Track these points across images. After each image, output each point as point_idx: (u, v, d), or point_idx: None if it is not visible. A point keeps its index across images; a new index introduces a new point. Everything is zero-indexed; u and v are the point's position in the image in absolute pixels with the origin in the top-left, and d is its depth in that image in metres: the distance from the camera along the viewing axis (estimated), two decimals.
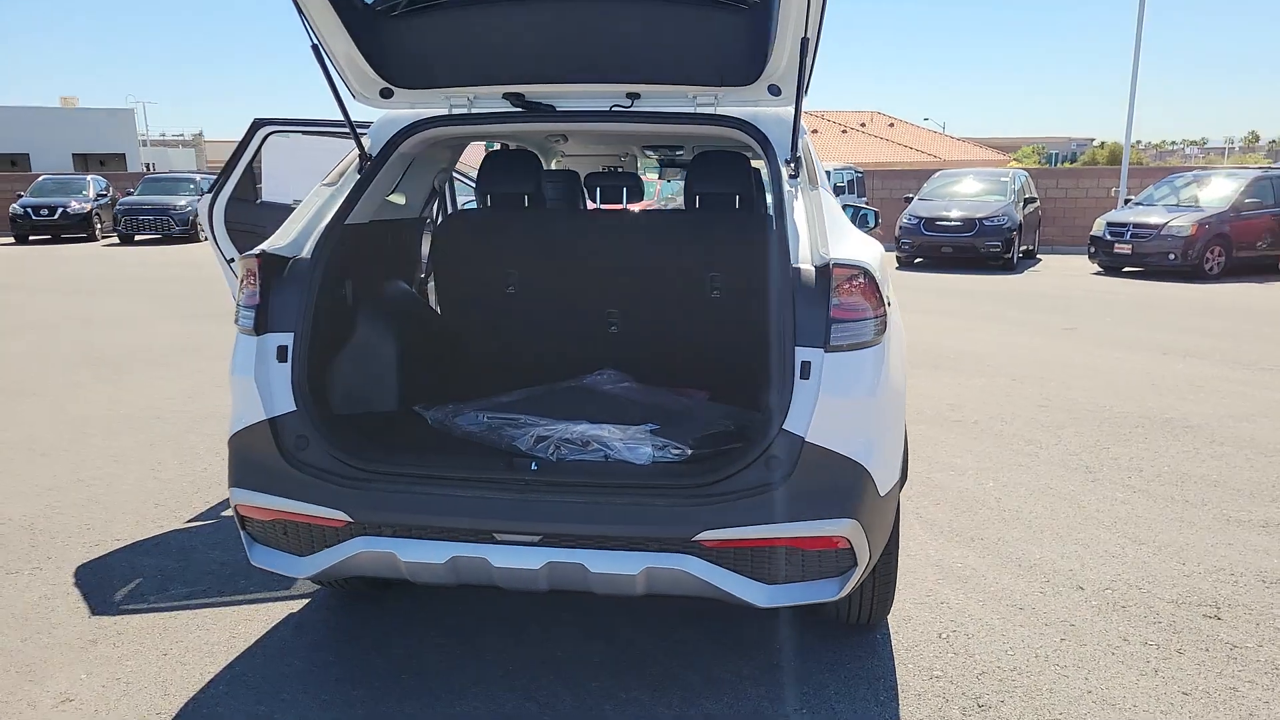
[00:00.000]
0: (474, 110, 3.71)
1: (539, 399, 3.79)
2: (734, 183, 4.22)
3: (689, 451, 3.08)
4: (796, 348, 2.91)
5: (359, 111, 3.74)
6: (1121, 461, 6.02)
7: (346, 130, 5.01)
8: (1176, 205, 17.74)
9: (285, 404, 3.17)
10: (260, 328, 3.21)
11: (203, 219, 5.57)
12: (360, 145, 3.64)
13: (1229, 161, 67.28)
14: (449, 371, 4.41)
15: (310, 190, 3.79)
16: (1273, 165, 26.74)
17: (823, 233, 3.13)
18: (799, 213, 3.20)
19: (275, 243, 3.37)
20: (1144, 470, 5.84)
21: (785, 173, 3.33)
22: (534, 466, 3.08)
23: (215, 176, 5.68)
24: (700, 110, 3.59)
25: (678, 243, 4.32)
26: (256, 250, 3.28)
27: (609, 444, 3.12)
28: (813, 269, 3.01)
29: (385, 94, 3.69)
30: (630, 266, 4.37)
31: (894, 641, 3.69)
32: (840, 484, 2.86)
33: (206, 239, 5.80)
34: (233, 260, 5.46)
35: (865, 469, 2.89)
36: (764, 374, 3.74)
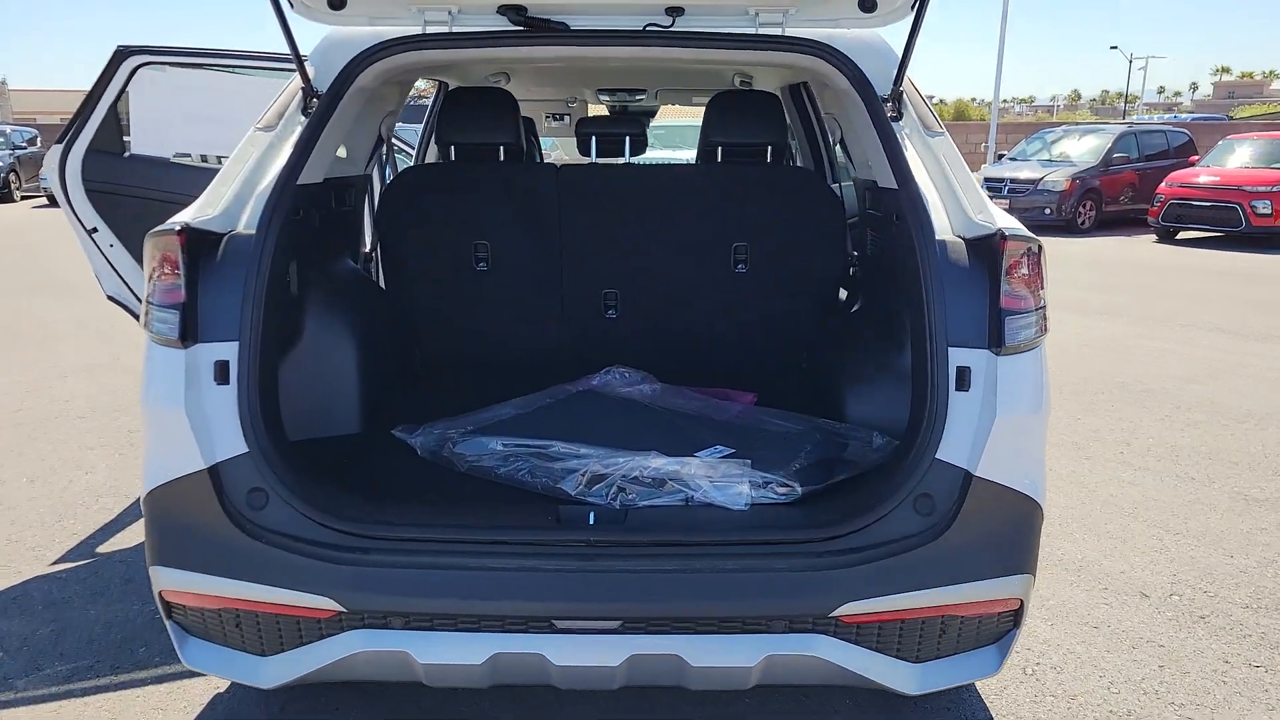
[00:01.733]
0: (457, 29, 2.78)
1: (550, 413, 2.97)
2: (765, 129, 3.46)
3: (799, 490, 2.36)
4: (950, 349, 2.21)
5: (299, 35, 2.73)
6: (1104, 435, 5.74)
7: (243, 60, 3.82)
8: (1049, 160, 18.19)
9: (231, 444, 2.24)
10: (188, 335, 2.24)
11: (51, 177, 4.32)
12: (305, 75, 2.65)
13: (1057, 119, 71.42)
14: (412, 374, 3.50)
15: (203, 139, 2.77)
16: (1137, 120, 28.14)
17: (962, 193, 2.43)
18: (917, 167, 2.48)
19: (202, 212, 2.38)
20: (1132, 444, 5.57)
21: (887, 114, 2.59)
22: (592, 519, 2.29)
23: (68, 125, 4.37)
24: (764, 32, 2.78)
25: (694, 205, 3.54)
26: (175, 223, 2.29)
27: (690, 482, 2.35)
28: (962, 241, 2.32)
29: (335, 3, 2.70)
30: (633, 235, 3.56)
31: (977, 683, 3.13)
32: (1015, 528, 2.22)
33: (49, 197, 4.52)
34: (95, 230, 4.26)
35: (1039, 505, 2.26)
36: (842, 374, 3.06)
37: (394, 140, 4.95)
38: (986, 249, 2.25)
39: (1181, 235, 16.29)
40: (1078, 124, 22.52)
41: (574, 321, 3.72)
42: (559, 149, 9.32)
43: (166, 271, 2.27)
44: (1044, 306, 2.28)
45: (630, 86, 5.17)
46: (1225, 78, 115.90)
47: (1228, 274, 12.41)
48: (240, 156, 2.54)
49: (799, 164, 4.01)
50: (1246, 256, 14.19)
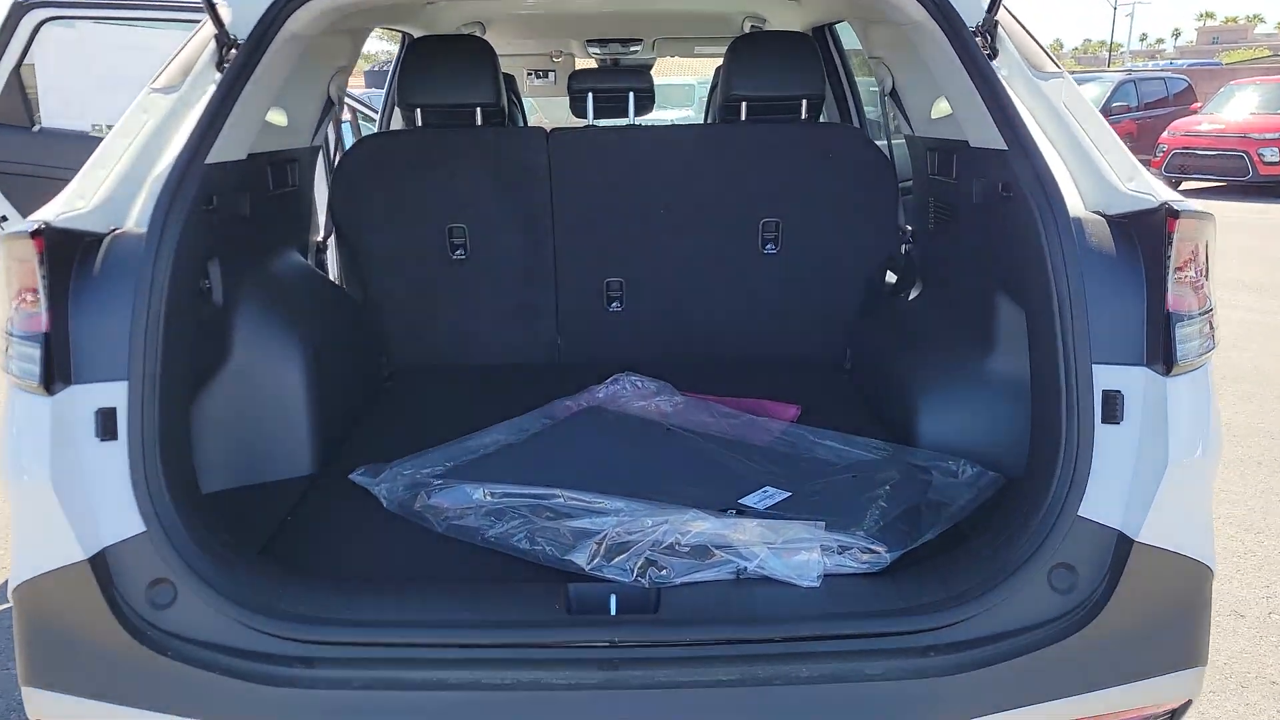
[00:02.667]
0: None
1: (548, 443, 2.38)
2: (799, 79, 2.85)
3: (886, 555, 1.78)
4: (1095, 367, 1.65)
5: None
6: None
7: (165, 10, 3.15)
8: None
9: (122, 522, 1.66)
10: (55, 376, 1.64)
11: None
12: (218, 18, 2.01)
13: None
14: (378, 391, 2.90)
15: (126, 106, 2.14)
16: (1135, 67, 27.49)
17: (1100, 154, 1.84)
18: (1029, 120, 1.88)
19: (71, 205, 1.76)
20: None
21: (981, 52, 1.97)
22: (615, 606, 1.71)
23: None
24: None
25: (714, 173, 2.93)
26: (31, 223, 1.67)
27: (743, 549, 1.77)
28: (1104, 220, 1.73)
29: None
30: (641, 212, 2.96)
31: None
32: (1185, 606, 1.67)
33: None
34: (4, 220, 3.60)
35: (1211, 572, 1.70)
36: (903, 381, 2.49)
37: (356, 105, 4.30)
38: (1146, 230, 1.66)
39: (1185, 185, 15.74)
40: (1072, 73, 21.80)
41: (572, 318, 3.12)
42: (538, 112, 8.62)
43: (23, 289, 1.66)
44: (1211, 309, 1.70)
45: (624, 36, 4.51)
46: (1209, 23, 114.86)
47: (1240, 226, 11.89)
48: (128, 129, 1.91)
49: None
50: (1257, 206, 13.67)
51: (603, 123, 3.19)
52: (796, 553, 1.78)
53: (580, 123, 3.51)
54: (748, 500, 2.01)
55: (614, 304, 3.11)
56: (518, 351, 3.17)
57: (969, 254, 2.43)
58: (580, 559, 1.80)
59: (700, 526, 1.80)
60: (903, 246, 3.02)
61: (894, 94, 2.89)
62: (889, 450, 2.26)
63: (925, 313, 2.65)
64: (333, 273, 3.15)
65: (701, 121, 4.47)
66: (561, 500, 1.98)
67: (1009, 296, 2.19)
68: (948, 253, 2.62)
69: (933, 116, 2.61)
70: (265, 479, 2.22)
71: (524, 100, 5.41)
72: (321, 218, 3.00)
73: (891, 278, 3.18)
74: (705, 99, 4.58)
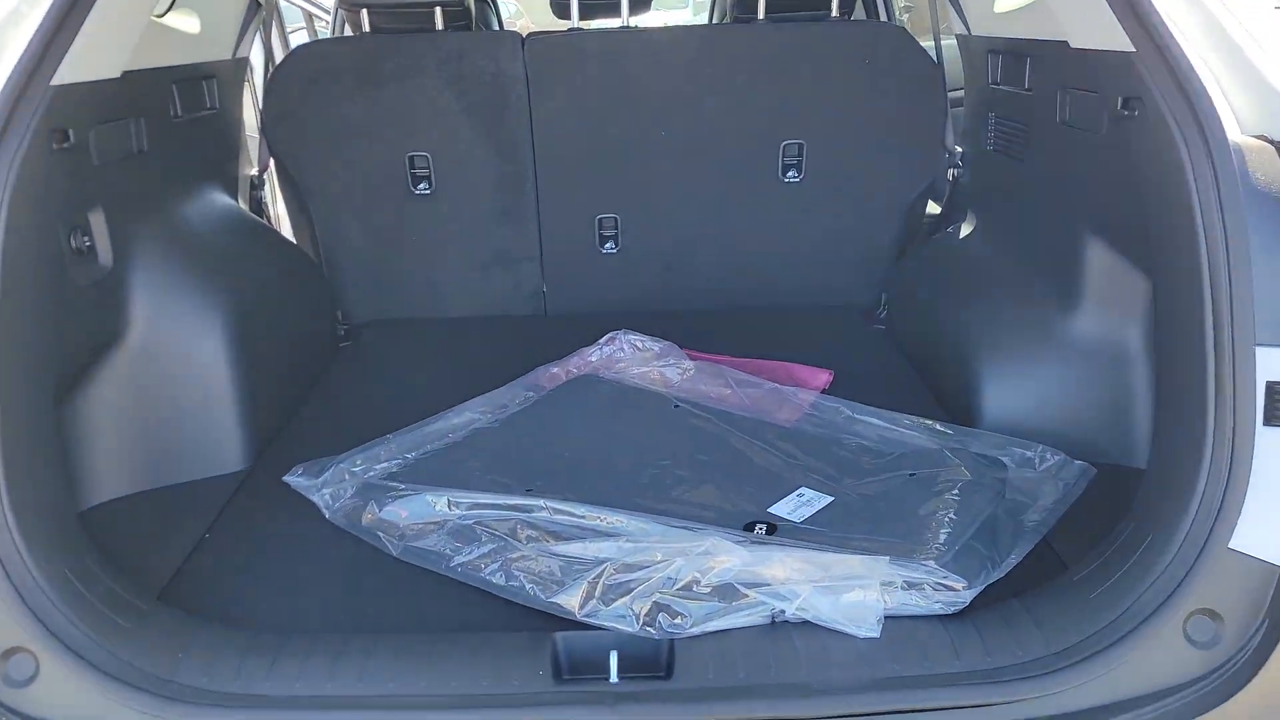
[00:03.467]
0: None
1: (527, 426, 1.96)
2: None
3: (965, 593, 1.37)
4: (1259, 349, 1.23)
5: None
6: None
7: None
8: None
9: None
10: None
11: None
12: None
13: None
14: (327, 355, 2.46)
15: None
16: None
17: (1269, 60, 1.37)
18: (1162, 9, 1.40)
19: None
20: None
21: None
22: (614, 667, 1.31)
23: None
24: None
25: (726, 85, 2.45)
26: None
27: (781, 587, 1.36)
28: (1276, 150, 1.29)
29: None
30: (638, 133, 2.49)
31: None
32: None
33: None
34: None
35: None
36: (957, 339, 2.04)
37: (311, 7, 3.74)
38: None
39: None
40: None
41: (559, 263, 2.66)
42: (524, 16, 7.90)
43: None
44: None
45: None
46: None
47: None
48: None
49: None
50: None
51: (591, 24, 2.66)
52: (848, 587, 1.37)
53: (564, 25, 2.96)
54: (779, 509, 1.60)
55: (607, 245, 2.65)
56: (495, 302, 2.72)
57: (1048, 185, 1.96)
58: (571, 600, 1.39)
59: (725, 561, 1.38)
60: (950, 172, 2.54)
61: None
62: (947, 433, 1.84)
63: (985, 256, 2.19)
64: (276, 214, 2.67)
65: (708, 22, 3.90)
66: (546, 514, 1.56)
67: (1106, 242, 1.75)
68: (1014, 182, 2.15)
69: (997, 10, 2.11)
70: (179, 480, 1.80)
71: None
72: (255, 148, 2.51)
73: (934, 209, 2.71)
74: None
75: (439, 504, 1.61)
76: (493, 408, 2.05)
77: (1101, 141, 1.67)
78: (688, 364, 2.22)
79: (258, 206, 2.53)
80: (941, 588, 1.38)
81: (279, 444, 1.98)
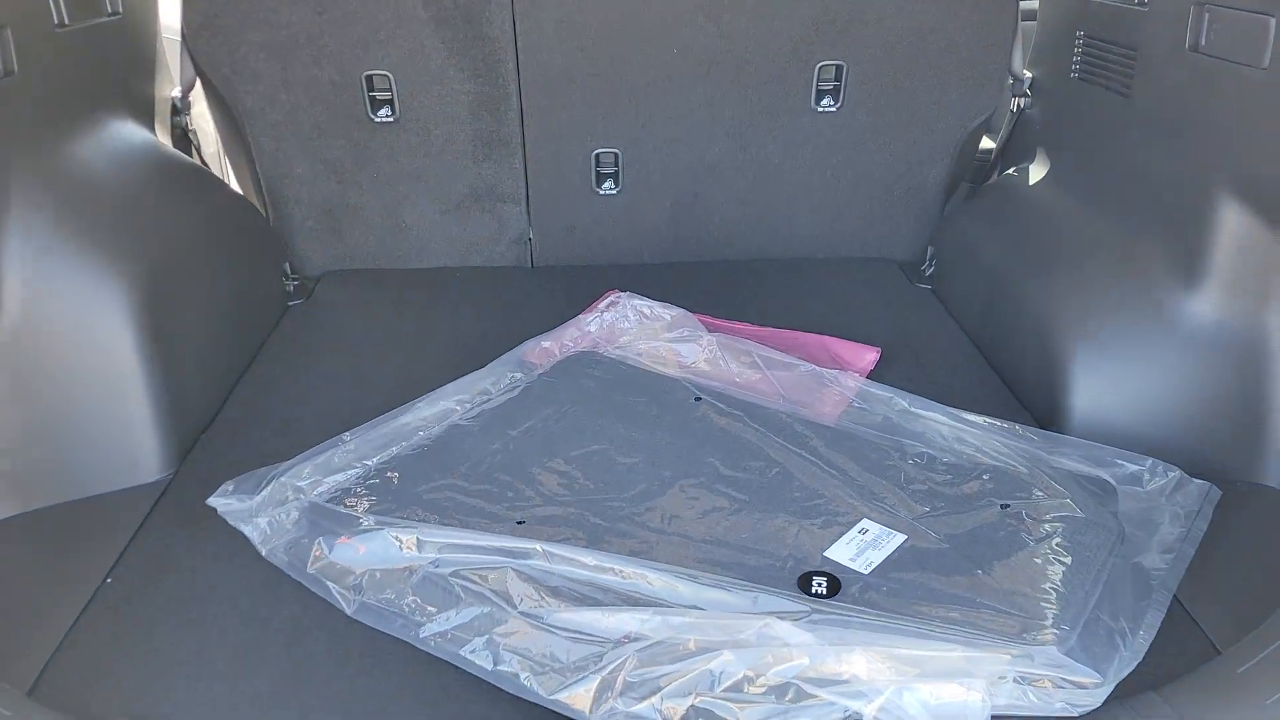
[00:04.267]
0: None
1: (511, 422, 1.59)
2: None
3: (1101, 689, 1.05)
4: None
5: None
6: None
7: None
8: None
9: None
10: None
11: None
12: None
13: None
14: (279, 321, 2.07)
15: None
16: None
17: None
18: None
19: None
20: None
21: None
22: None
23: None
24: None
25: None
26: None
27: (861, 687, 1.03)
28: None
29: None
30: (642, 53, 2.07)
31: None
32: None
33: None
34: None
35: None
36: (1034, 309, 1.68)
37: None
38: None
39: None
40: None
41: (549, 205, 2.26)
42: None
43: None
44: None
45: None
46: None
47: None
48: None
49: None
50: None
51: None
52: (945, 685, 1.04)
53: None
54: (839, 552, 1.26)
55: (606, 184, 2.24)
56: (474, 251, 2.32)
57: (1165, 129, 1.58)
58: (581, 698, 1.05)
59: (787, 655, 1.04)
60: (1016, 102, 2.14)
61: None
62: (1031, 440, 1.50)
63: (1070, 211, 1.81)
64: (209, 147, 2.23)
65: None
66: (543, 563, 1.22)
67: (1249, 207, 1.38)
68: (1112, 122, 1.76)
69: None
70: (71, 497, 1.43)
71: None
72: (176, 64, 2.06)
73: (987, 143, 2.32)
74: None
75: (406, 543, 1.26)
76: (472, 396, 1.68)
77: (1263, 78, 1.29)
78: (705, 338, 1.85)
79: (182, 138, 2.09)
80: (1066, 684, 1.05)
81: (209, 442, 1.61)
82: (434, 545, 1.26)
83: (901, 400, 1.64)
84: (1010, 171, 2.15)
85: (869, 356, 1.83)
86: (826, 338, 1.89)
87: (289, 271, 2.18)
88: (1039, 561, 1.22)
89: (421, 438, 1.57)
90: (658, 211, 2.28)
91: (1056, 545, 1.24)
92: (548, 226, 2.30)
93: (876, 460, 1.46)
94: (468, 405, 1.66)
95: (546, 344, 1.85)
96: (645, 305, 1.95)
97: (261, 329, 1.98)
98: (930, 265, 2.22)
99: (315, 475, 1.46)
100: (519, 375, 1.75)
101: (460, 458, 1.49)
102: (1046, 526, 1.28)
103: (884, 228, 2.30)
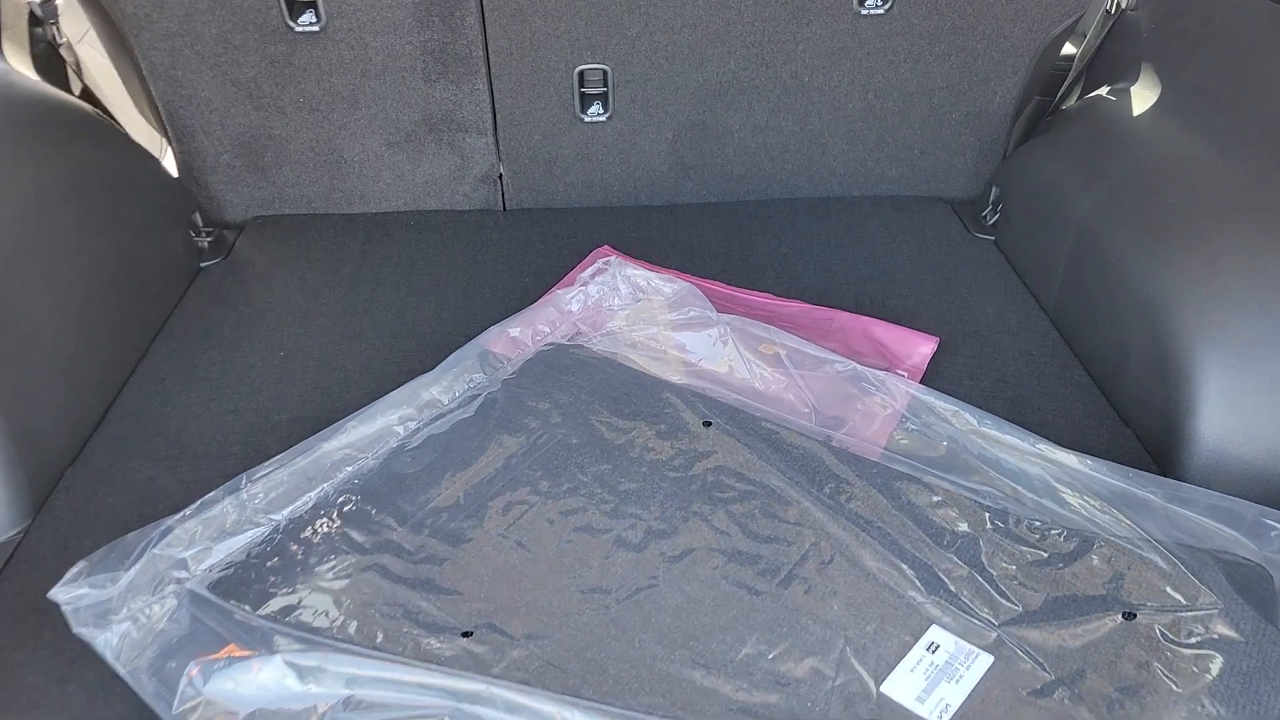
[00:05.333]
0: None
1: (469, 457, 1.22)
2: None
3: None
4: None
5: None
6: None
7: None
8: None
9: None
10: None
11: None
12: None
13: None
14: (186, 285, 1.68)
15: None
16: None
17: None
18: None
19: None
20: None
21: None
22: None
23: None
24: None
25: None
26: None
27: None
28: None
29: None
30: None
31: None
32: None
33: None
34: None
35: None
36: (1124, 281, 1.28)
37: None
38: None
39: None
40: None
41: (519, 134, 1.83)
42: None
43: None
44: None
45: None
46: None
47: None
48: None
49: None
50: None
51: None
52: None
53: None
54: (899, 687, 0.91)
55: (593, 108, 1.80)
56: (431, 192, 1.90)
57: None
58: None
59: None
60: (1112, 1, 1.68)
61: None
62: (1152, 491, 1.13)
63: (1200, 160, 1.39)
64: (82, 62, 1.77)
65: None
66: (500, 714, 0.88)
67: None
68: (1262, 32, 1.32)
69: None
70: None
71: None
72: None
73: (1069, 49, 1.85)
74: None
75: (307, 684, 0.92)
76: (419, 410, 1.31)
77: None
78: (714, 321, 1.46)
79: (49, 55, 1.64)
80: None
81: (76, 480, 1.25)
82: (340, 675, 0.92)
83: (969, 416, 1.27)
84: (1103, 92, 1.70)
85: (923, 349, 1.44)
86: (868, 320, 1.50)
87: (200, 224, 1.77)
88: (1183, 713, 0.87)
89: (349, 474, 1.21)
90: (657, 142, 1.85)
91: (1208, 683, 0.89)
92: (522, 161, 1.87)
93: (943, 524, 1.10)
94: (412, 423, 1.30)
95: (515, 331, 1.46)
96: (641, 275, 1.55)
97: (160, 306, 1.59)
98: (995, 211, 1.80)
99: (205, 540, 1.11)
100: (479, 378, 1.38)
101: (394, 511, 1.13)
102: (1192, 658, 0.92)
103: (937, 160, 1.87)
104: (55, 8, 1.63)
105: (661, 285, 1.53)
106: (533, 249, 1.79)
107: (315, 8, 1.64)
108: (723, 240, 1.81)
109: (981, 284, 1.65)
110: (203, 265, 1.74)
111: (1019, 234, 1.72)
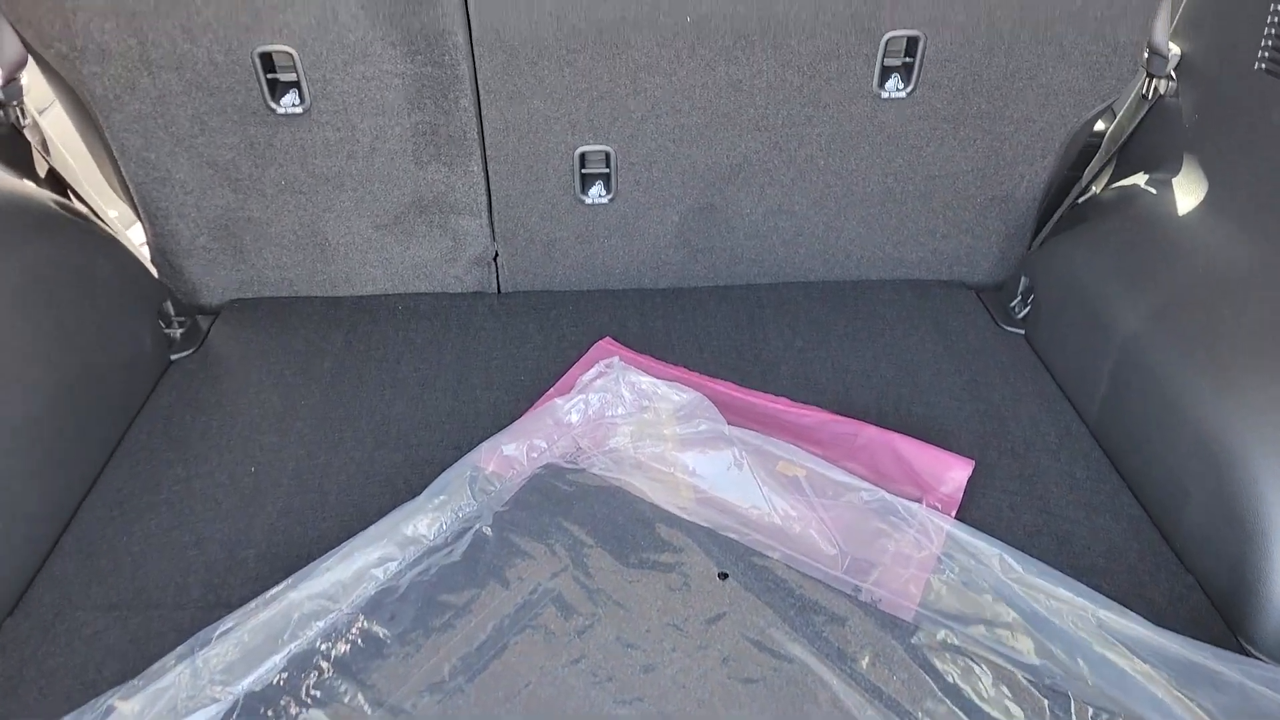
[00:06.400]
0: None
1: (456, 612, 1.09)
2: None
3: None
4: None
5: None
6: None
7: None
8: None
9: None
10: None
11: None
12: None
13: None
14: (147, 395, 1.55)
15: None
16: None
17: None
18: None
19: None
20: None
21: None
22: None
23: None
24: None
25: None
26: None
27: None
28: None
29: None
30: (644, 14, 1.49)
31: None
32: None
33: None
34: None
35: None
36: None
37: None
38: None
39: None
40: None
41: (516, 215, 1.71)
42: None
43: None
44: None
45: None
46: None
47: None
48: None
49: None
50: None
51: None
52: None
53: None
54: None
55: (594, 189, 1.68)
56: (421, 274, 1.78)
57: None
58: None
59: None
60: (1151, 84, 1.57)
61: None
62: (1221, 664, 1.00)
63: (1257, 265, 1.27)
64: (49, 140, 1.66)
65: None
66: None
67: None
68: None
69: None
70: None
71: None
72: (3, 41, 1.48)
73: (1100, 125, 1.74)
74: None
75: None
76: (402, 548, 1.18)
77: None
78: (727, 438, 1.33)
79: (11, 136, 1.52)
80: None
81: (13, 636, 1.12)
82: None
83: (1013, 562, 1.14)
84: (1140, 181, 1.59)
85: (957, 475, 1.32)
86: (896, 436, 1.38)
87: (171, 313, 1.65)
88: None
89: (321, 631, 1.08)
90: (662, 224, 1.74)
91: None
92: (519, 242, 1.75)
93: (998, 715, 0.97)
94: (393, 564, 1.17)
95: (510, 448, 1.34)
96: (646, 381, 1.43)
97: (122, 414, 1.46)
98: (1024, 303, 1.69)
99: None
100: (469, 507, 1.25)
101: (369, 689, 1.00)
102: None
103: (960, 245, 1.76)
104: (20, 88, 1.52)
105: (668, 393, 1.41)
106: (529, 339, 1.68)
107: (299, 88, 1.52)
108: (733, 330, 1.69)
109: (1014, 388, 1.53)
110: (173, 358, 1.62)
111: (1052, 331, 1.60)
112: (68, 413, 1.32)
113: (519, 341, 1.67)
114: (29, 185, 1.52)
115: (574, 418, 1.40)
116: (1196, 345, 1.26)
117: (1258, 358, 1.18)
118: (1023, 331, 1.68)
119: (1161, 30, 1.51)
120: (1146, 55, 1.55)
